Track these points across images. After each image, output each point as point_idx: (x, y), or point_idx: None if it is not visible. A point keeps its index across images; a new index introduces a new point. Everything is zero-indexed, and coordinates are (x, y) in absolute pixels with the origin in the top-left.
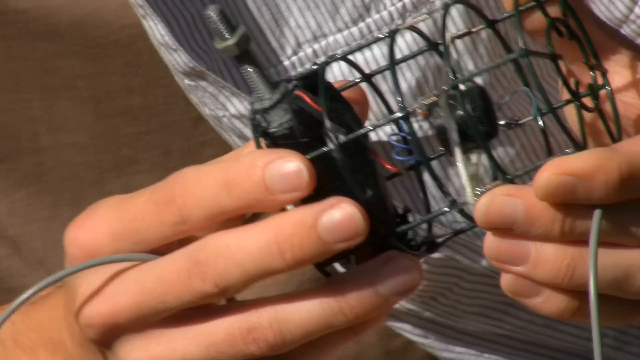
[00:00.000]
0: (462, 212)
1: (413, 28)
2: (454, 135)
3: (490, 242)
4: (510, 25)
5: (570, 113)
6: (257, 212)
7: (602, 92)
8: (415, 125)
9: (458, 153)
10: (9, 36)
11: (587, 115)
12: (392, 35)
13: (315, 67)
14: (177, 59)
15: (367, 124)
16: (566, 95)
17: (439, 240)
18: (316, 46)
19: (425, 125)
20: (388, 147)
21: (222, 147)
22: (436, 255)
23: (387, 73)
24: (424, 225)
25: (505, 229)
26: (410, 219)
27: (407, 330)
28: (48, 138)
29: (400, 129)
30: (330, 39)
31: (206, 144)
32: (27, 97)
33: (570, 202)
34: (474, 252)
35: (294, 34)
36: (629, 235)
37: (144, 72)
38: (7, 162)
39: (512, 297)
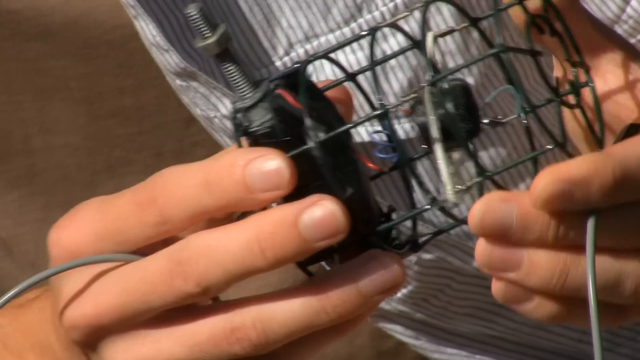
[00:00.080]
0: (443, 210)
1: (394, 26)
2: (435, 133)
3: (483, 250)
4: (505, 23)
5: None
6: (239, 211)
7: (599, 92)
8: (407, 126)
9: (438, 150)
10: (1, 37)
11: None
12: (372, 33)
13: (297, 65)
14: (168, 59)
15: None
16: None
17: (423, 239)
18: (308, 46)
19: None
20: (373, 147)
21: (214, 148)
22: (428, 256)
23: (378, 70)
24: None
25: (500, 236)
26: (395, 217)
27: (398, 331)
28: (40, 140)
29: (384, 127)
30: (322, 39)
31: (198, 144)
32: (19, 99)
33: (566, 209)
34: (466, 254)
35: (286, 34)
36: (620, 239)
37: (136, 73)
38: None
39: (503, 303)
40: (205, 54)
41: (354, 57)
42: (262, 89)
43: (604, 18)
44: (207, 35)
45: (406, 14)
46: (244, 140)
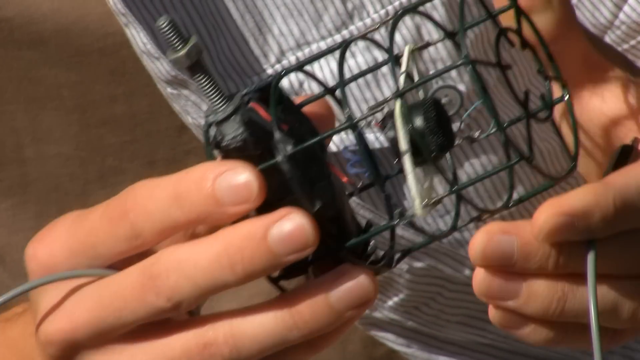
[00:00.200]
0: (412, 225)
1: (366, 38)
2: (403, 147)
3: (481, 279)
4: (491, 32)
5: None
6: (210, 225)
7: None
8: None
9: (407, 164)
10: None
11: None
12: (343, 46)
13: (270, 78)
14: (159, 67)
15: (335, 138)
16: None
17: (398, 255)
18: (299, 54)
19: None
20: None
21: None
22: (419, 264)
23: (369, 78)
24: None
25: (501, 266)
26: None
27: (390, 339)
28: (32, 149)
29: (359, 141)
30: (314, 46)
31: (191, 152)
32: (11, 108)
33: (567, 239)
34: (457, 262)
35: (278, 42)
36: (619, 266)
37: (128, 81)
38: None
39: (500, 328)
40: (176, 67)
41: (362, 59)
42: (235, 102)
43: (597, 24)
44: (177, 47)
45: (378, 26)
46: (216, 154)
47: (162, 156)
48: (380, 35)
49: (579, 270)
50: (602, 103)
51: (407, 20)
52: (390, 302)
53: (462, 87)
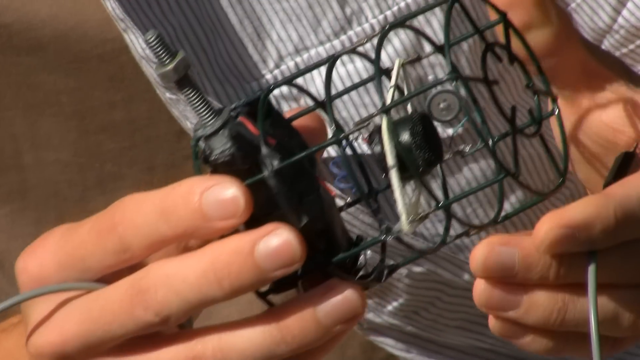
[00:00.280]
0: (399, 240)
1: (355, 52)
2: (390, 162)
3: (482, 290)
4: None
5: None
6: (198, 239)
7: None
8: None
9: (394, 180)
10: None
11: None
12: (330, 60)
13: (259, 92)
14: None
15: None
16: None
17: (387, 269)
18: (298, 59)
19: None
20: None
21: None
22: (418, 269)
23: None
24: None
25: (502, 277)
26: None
27: (389, 344)
28: (31, 156)
29: (345, 154)
30: (312, 51)
31: (190, 157)
32: (9, 115)
33: (568, 250)
34: (456, 266)
35: (276, 47)
36: (620, 275)
37: (127, 86)
38: None
39: (500, 337)
40: (163, 82)
41: (344, 70)
42: (223, 116)
43: (595, 28)
44: (165, 62)
45: (365, 40)
46: (205, 168)
47: (161, 161)
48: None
49: (580, 280)
50: (601, 112)
51: (420, 18)
52: (389, 307)
53: (462, 91)
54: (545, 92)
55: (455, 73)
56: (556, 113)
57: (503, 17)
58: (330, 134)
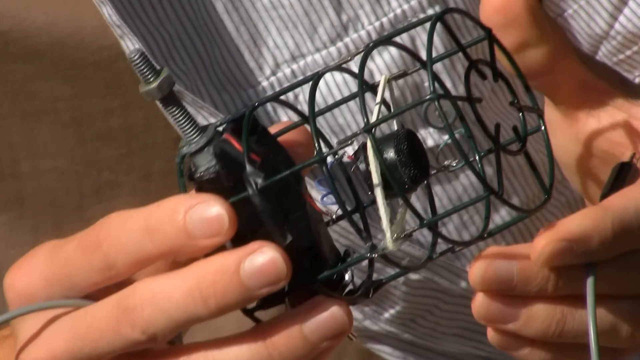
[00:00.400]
0: (385, 257)
1: (341, 68)
2: (375, 180)
3: (480, 303)
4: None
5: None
6: (182, 257)
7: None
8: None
9: (379, 198)
10: None
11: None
12: (315, 78)
13: (244, 110)
14: None
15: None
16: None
17: (374, 285)
18: (294, 66)
19: None
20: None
21: None
22: (415, 277)
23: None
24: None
25: (501, 290)
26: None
27: (386, 352)
28: (28, 164)
29: (329, 173)
30: (309, 59)
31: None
32: (6, 123)
33: (566, 263)
34: (453, 274)
35: (273, 54)
36: (618, 287)
37: (123, 94)
38: None
39: (498, 349)
40: (148, 99)
41: (340, 77)
42: (208, 133)
43: (592, 34)
44: (149, 80)
45: (349, 58)
46: (190, 185)
47: (158, 169)
48: (378, 51)
49: (578, 292)
50: (599, 124)
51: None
52: (386, 315)
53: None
54: (531, 108)
55: (435, 93)
56: (542, 129)
57: (488, 34)
58: (320, 147)
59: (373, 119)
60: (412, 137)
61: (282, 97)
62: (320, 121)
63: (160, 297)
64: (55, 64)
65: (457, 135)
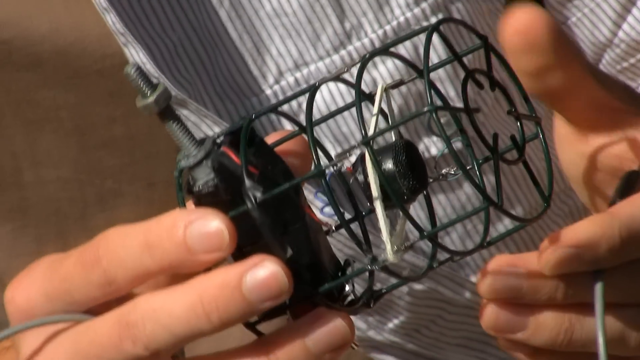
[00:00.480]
0: (386, 268)
1: (339, 79)
2: (375, 193)
3: (488, 314)
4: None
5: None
6: (182, 272)
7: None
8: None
9: (378, 211)
10: None
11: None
12: (312, 89)
13: (241, 122)
14: None
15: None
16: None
17: (374, 295)
18: (298, 74)
19: None
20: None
21: None
22: (419, 287)
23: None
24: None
25: (510, 299)
26: (350, 271)
27: None
28: (31, 174)
29: (328, 186)
30: (312, 67)
31: None
32: (9, 132)
33: (574, 270)
34: (457, 284)
35: (276, 62)
36: (627, 295)
37: (127, 102)
38: None
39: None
40: (145, 113)
41: (343, 86)
42: (206, 146)
43: (596, 42)
44: (146, 94)
45: (346, 69)
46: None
47: (162, 178)
48: (381, 59)
49: (586, 300)
50: (608, 140)
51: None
52: (390, 325)
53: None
54: (529, 116)
55: (433, 105)
56: (540, 137)
57: (484, 42)
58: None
59: (371, 130)
60: (411, 147)
61: (284, 106)
62: (324, 130)
63: (162, 313)
64: (58, 72)
65: (458, 145)
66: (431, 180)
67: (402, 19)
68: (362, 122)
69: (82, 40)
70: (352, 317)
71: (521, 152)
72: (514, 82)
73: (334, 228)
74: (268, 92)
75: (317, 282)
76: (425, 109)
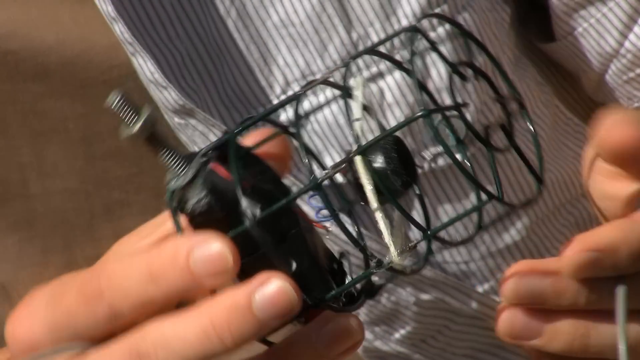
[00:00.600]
0: (392, 269)
1: (326, 82)
2: (373, 204)
3: (505, 320)
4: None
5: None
6: (189, 298)
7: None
8: None
9: (381, 222)
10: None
11: None
12: (297, 97)
13: (227, 135)
14: (167, 96)
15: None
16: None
17: (375, 287)
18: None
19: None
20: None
21: None
22: (426, 297)
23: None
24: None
25: (533, 304)
26: (345, 265)
27: None
28: (38, 185)
29: (326, 198)
30: (319, 77)
31: None
32: (16, 144)
33: (595, 275)
34: (463, 294)
35: (283, 72)
36: None
37: None
38: None
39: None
40: (131, 141)
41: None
42: (195, 165)
43: (602, 53)
44: (132, 121)
45: (330, 75)
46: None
47: None
48: (385, 65)
49: (606, 307)
50: None
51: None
52: (396, 335)
53: (467, 115)
54: (512, 97)
55: (426, 109)
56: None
57: (464, 34)
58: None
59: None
60: (400, 144)
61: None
62: (330, 139)
63: (174, 340)
64: (66, 83)
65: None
66: (425, 167)
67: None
68: (355, 136)
69: (88, 51)
70: None
71: (510, 137)
72: (495, 66)
73: (328, 230)
74: (275, 102)
75: (321, 284)
76: (419, 113)
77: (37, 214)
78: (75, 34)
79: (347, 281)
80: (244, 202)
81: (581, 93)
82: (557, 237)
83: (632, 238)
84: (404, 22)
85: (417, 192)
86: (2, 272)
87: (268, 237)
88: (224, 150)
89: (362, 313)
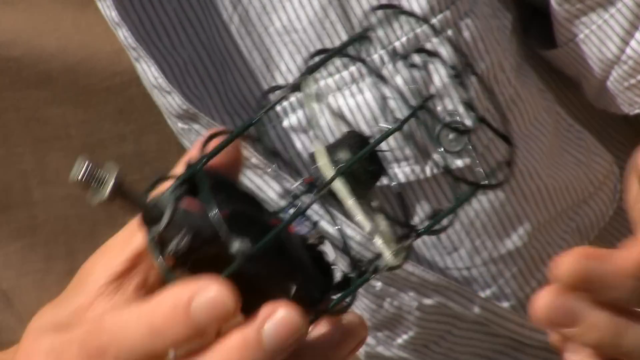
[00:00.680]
0: (391, 269)
1: (294, 89)
2: (366, 227)
3: (545, 302)
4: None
5: None
6: (196, 342)
7: None
8: (407, 170)
9: (364, 223)
10: (1, 85)
11: None
12: (269, 106)
13: (191, 165)
14: (170, 101)
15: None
16: None
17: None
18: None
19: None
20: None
21: None
22: (428, 302)
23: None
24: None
25: (583, 289)
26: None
27: None
28: (40, 192)
29: (315, 224)
30: (322, 83)
31: None
32: (18, 151)
33: None
34: (466, 299)
35: (285, 78)
36: None
37: (136, 119)
38: None
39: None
40: (100, 204)
41: (353, 101)
42: (168, 205)
43: (604, 59)
44: (99, 186)
45: (298, 81)
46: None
47: None
48: (388, 71)
49: None
50: None
51: (415, 57)
52: (399, 340)
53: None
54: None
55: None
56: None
57: (429, 23)
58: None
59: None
60: (362, 139)
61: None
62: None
63: None
64: (68, 89)
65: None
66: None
67: (411, 35)
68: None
69: (91, 57)
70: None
71: (475, 115)
72: (458, 54)
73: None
74: (277, 108)
75: (318, 293)
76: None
77: (39, 221)
78: (77, 40)
79: (334, 281)
80: (235, 245)
81: (582, 100)
82: (558, 243)
83: None
84: (406, 28)
85: (389, 183)
86: (5, 279)
87: (263, 269)
88: (192, 181)
89: (365, 318)
